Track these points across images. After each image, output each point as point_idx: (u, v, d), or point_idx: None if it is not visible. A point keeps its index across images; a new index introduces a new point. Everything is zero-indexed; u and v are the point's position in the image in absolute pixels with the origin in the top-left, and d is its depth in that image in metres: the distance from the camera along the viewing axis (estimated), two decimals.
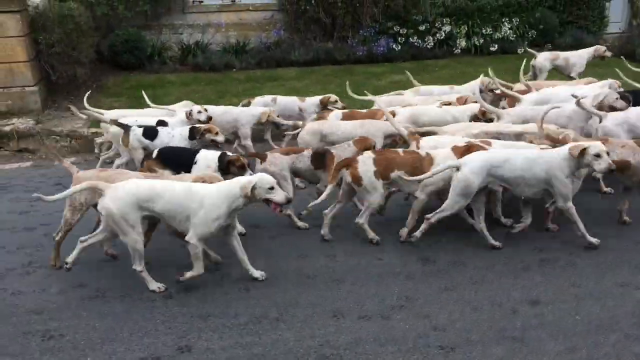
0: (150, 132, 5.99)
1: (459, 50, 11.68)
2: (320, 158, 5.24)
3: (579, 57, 8.91)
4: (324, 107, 7.05)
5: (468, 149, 4.74)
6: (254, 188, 3.93)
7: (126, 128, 6.03)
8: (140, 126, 6.01)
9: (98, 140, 7.37)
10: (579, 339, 3.52)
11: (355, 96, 7.38)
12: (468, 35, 11.70)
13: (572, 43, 11.74)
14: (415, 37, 11.48)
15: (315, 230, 5.08)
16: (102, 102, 8.98)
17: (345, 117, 6.37)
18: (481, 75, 7.29)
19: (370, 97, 7.13)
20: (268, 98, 7.45)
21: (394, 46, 11.37)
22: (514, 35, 11.77)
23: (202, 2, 11.74)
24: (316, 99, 7.25)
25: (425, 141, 5.25)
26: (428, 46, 11.51)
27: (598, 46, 9.16)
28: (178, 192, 3.97)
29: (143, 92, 7.54)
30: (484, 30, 11.70)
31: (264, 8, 11.91)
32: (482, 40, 11.68)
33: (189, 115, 6.42)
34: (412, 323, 3.71)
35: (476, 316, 3.78)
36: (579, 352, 3.40)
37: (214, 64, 10.74)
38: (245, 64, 10.93)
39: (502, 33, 11.73)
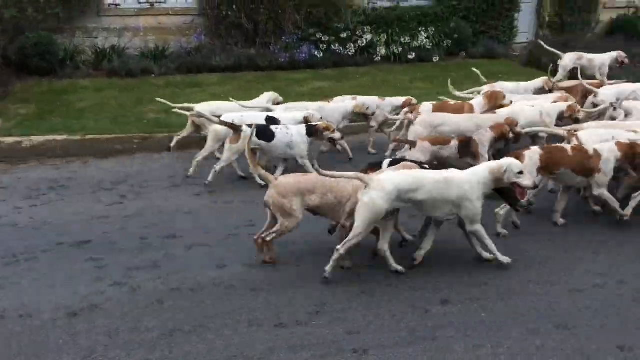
0: (265, 133, 5.69)
1: (379, 58, 11.95)
2: (466, 146, 5.69)
3: (602, 59, 9.37)
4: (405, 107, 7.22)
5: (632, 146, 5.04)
6: (504, 172, 4.15)
7: (236, 128, 5.72)
8: (250, 125, 5.58)
9: (178, 136, 7.17)
10: (484, 335, 3.67)
11: (458, 93, 7.71)
12: (387, 44, 12.00)
13: (484, 52, 12.36)
14: (336, 45, 11.63)
15: (234, 239, 5.02)
16: (8, 109, 8.49)
17: (435, 109, 6.77)
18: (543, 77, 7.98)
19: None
20: (347, 97, 7.58)
21: (316, 53, 11.47)
22: (430, 44, 12.18)
23: (118, 5, 11.36)
24: (394, 99, 7.48)
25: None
26: (349, 53, 11.69)
27: (620, 52, 9.50)
28: (438, 180, 4.21)
29: (232, 99, 7.14)
30: (402, 39, 12.04)
31: (184, 12, 11.69)
32: (400, 49, 12.01)
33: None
34: (328, 328, 3.73)
35: (390, 318, 3.86)
36: (484, 348, 3.55)
37: (131, 69, 10.41)
38: (164, 69, 10.67)
39: (419, 42, 12.12)
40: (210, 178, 6.13)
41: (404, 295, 4.14)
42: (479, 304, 4.03)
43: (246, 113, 6.52)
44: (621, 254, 4.83)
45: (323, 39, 11.60)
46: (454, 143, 5.81)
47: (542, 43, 10.36)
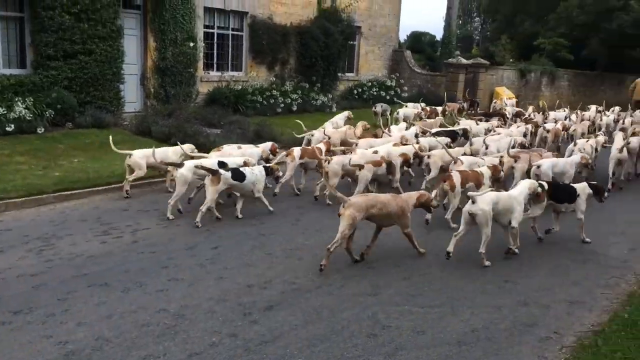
0: (239, 174, 7.31)
1: None
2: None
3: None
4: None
5: None
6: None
7: (214, 172, 7.10)
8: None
9: None
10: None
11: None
12: None
13: (92, 122, 12.05)
14: None
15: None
16: None
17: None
18: None
19: None
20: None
21: None
22: (31, 115, 11.16)
23: None
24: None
25: None
26: None
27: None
28: (508, 197, 6.23)
29: None
30: None
31: None
32: None
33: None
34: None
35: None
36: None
37: None
38: None
39: (18, 113, 10.96)
40: (198, 219, 7.08)
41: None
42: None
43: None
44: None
45: None
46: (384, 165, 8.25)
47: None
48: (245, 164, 7.91)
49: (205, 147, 11.04)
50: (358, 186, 7.99)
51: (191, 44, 15.19)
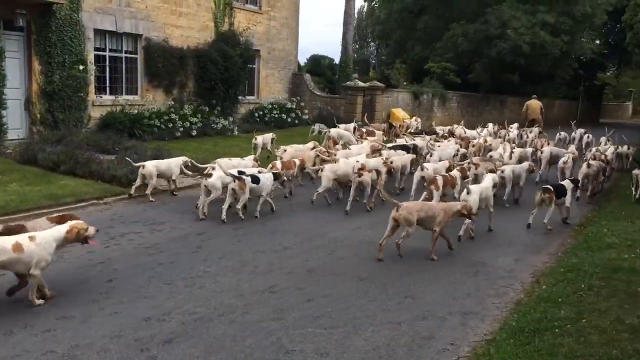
0: (256, 179, 8.91)
1: None
2: None
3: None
4: None
5: None
6: None
7: (240, 178, 8.78)
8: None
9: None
10: None
11: None
12: None
13: None
14: None
15: None
16: None
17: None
18: None
19: None
20: None
21: None
22: None
23: None
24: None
25: None
26: None
27: None
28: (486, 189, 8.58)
29: None
30: None
31: None
32: None
33: None
34: None
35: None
36: None
37: None
38: None
39: None
40: (243, 216, 8.72)
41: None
42: None
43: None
44: None
45: None
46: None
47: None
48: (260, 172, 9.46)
49: (98, 174, 10.56)
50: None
51: (81, 67, 14.49)
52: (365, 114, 22.08)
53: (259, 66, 21.93)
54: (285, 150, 12.21)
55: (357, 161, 10.53)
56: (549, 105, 38.73)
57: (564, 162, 12.26)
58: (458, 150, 13.29)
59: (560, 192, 9.02)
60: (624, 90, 51.38)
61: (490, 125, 19.92)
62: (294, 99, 23.22)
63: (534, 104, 23.37)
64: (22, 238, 5.21)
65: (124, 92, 16.57)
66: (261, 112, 21.13)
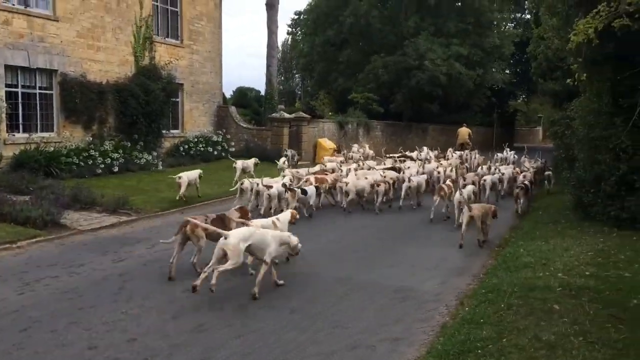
0: (304, 191, 11.73)
1: None
2: None
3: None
4: None
5: None
6: None
7: (292, 190, 11.24)
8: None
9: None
10: None
11: None
12: None
13: None
14: None
15: None
16: None
17: None
18: None
19: None
20: None
21: None
22: None
23: None
24: None
25: None
26: None
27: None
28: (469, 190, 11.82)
29: None
30: None
31: None
32: None
33: None
34: None
35: None
36: None
37: None
38: None
39: None
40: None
41: None
42: None
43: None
44: None
45: None
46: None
47: None
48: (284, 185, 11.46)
49: (11, 216, 10.04)
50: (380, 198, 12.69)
51: None
52: (285, 148, 22.28)
53: (182, 99, 21.70)
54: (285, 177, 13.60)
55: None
56: None
57: (524, 177, 14.16)
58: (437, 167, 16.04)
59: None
60: (534, 116, 54.76)
61: (425, 149, 21.97)
62: (220, 132, 23.09)
63: (463, 130, 27.45)
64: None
65: (38, 129, 15.89)
66: (186, 146, 20.83)
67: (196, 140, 21.37)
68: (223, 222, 7.73)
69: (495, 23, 35.05)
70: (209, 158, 20.98)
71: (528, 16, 37.04)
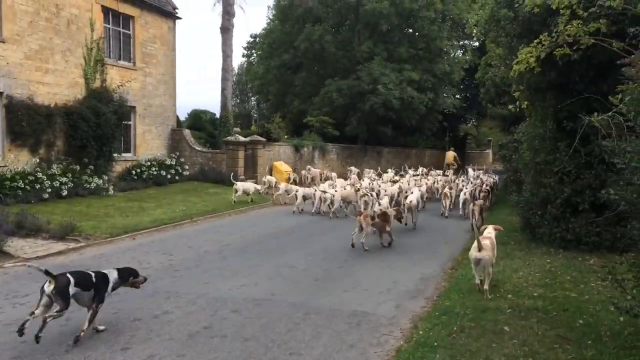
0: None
1: None
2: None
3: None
4: None
5: None
6: None
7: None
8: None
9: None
10: None
11: None
12: None
13: None
14: None
15: None
16: None
17: None
18: None
19: None
20: None
21: None
22: None
23: None
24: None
25: None
26: None
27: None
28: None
29: None
30: None
31: None
32: None
33: None
34: None
35: None
36: None
37: None
38: None
39: None
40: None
41: None
42: None
43: None
44: None
45: None
46: None
47: None
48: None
49: None
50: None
51: None
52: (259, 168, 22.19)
53: (135, 122, 21.34)
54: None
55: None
56: (420, 155, 41.47)
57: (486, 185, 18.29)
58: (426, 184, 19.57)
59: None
60: (484, 139, 56.52)
61: (389, 171, 26.05)
62: (174, 155, 22.77)
63: (449, 154, 31.70)
64: None
65: None
66: (139, 170, 20.43)
67: (149, 163, 20.99)
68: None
69: (445, 50, 36.15)
70: (162, 182, 20.63)
71: (476, 43, 38.41)
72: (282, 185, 19.04)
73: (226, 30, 26.56)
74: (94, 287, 6.17)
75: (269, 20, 41.03)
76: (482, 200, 15.03)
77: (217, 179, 21.90)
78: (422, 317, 7.03)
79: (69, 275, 5.97)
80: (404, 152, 40.08)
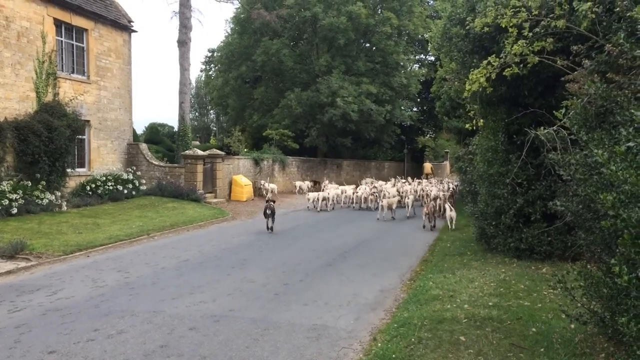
0: None
1: None
2: None
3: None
4: None
5: None
6: None
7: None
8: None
9: None
10: None
11: None
12: None
13: None
14: None
15: None
16: None
17: None
18: None
19: None
20: None
21: None
22: None
23: None
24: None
25: None
26: None
27: None
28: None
29: None
30: None
31: None
32: None
33: None
34: None
35: None
36: None
37: None
38: None
39: None
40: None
41: None
42: None
43: None
44: None
45: None
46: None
47: None
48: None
49: None
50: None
51: None
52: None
53: (89, 137, 20.87)
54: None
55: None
56: (379, 166, 41.96)
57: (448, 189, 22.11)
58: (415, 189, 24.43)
59: None
60: (442, 151, 57.70)
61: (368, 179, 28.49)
62: (130, 170, 22.34)
63: (427, 165, 39.65)
64: None
65: None
66: (94, 185, 19.93)
67: (104, 178, 20.51)
68: None
69: (401, 63, 36.83)
70: (119, 197, 20.19)
71: (432, 58, 39.29)
72: (312, 195, 22.80)
73: (183, 43, 26.36)
74: None
75: (227, 34, 40.93)
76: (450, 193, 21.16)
77: (176, 194, 21.58)
78: (381, 330, 7.08)
79: None
80: (364, 164, 40.46)
